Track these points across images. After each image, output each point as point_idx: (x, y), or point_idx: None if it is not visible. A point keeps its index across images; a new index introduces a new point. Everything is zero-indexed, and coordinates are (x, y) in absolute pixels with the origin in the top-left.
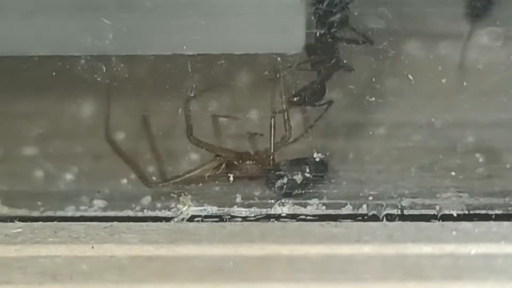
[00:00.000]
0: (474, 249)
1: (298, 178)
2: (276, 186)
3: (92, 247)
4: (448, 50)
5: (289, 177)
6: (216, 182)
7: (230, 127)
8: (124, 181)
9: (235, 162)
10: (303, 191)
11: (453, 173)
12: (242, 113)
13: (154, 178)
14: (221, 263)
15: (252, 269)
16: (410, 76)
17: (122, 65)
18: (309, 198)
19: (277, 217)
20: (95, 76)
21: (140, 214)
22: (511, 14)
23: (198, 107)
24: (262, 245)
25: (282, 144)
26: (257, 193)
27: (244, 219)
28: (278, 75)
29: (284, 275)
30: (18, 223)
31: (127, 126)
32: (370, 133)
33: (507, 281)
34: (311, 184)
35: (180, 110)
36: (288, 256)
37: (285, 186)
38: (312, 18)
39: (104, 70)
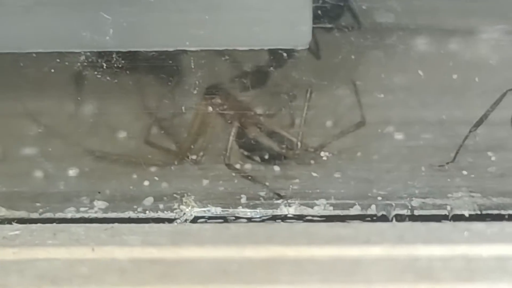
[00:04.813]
0: (486, 250)
1: None
2: None
3: (93, 249)
4: (459, 45)
5: None
6: None
7: None
8: (126, 181)
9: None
10: None
11: (464, 172)
12: None
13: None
14: (225, 265)
15: (258, 271)
16: (420, 72)
17: (123, 61)
18: None
19: (283, 218)
20: (95, 73)
21: (142, 215)
22: None
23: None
24: (267, 246)
25: None
26: (262, 194)
27: (249, 220)
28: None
29: (290, 277)
30: (16, 225)
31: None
32: (379, 131)
33: None
34: None
35: (183, 107)
36: (295, 258)
37: None
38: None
39: (105, 67)
